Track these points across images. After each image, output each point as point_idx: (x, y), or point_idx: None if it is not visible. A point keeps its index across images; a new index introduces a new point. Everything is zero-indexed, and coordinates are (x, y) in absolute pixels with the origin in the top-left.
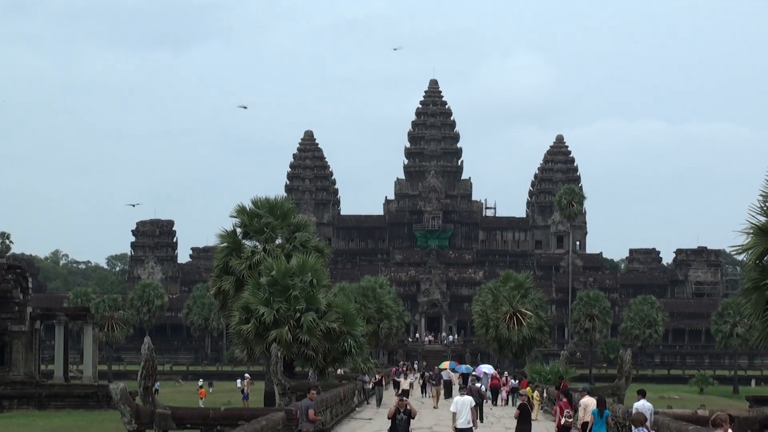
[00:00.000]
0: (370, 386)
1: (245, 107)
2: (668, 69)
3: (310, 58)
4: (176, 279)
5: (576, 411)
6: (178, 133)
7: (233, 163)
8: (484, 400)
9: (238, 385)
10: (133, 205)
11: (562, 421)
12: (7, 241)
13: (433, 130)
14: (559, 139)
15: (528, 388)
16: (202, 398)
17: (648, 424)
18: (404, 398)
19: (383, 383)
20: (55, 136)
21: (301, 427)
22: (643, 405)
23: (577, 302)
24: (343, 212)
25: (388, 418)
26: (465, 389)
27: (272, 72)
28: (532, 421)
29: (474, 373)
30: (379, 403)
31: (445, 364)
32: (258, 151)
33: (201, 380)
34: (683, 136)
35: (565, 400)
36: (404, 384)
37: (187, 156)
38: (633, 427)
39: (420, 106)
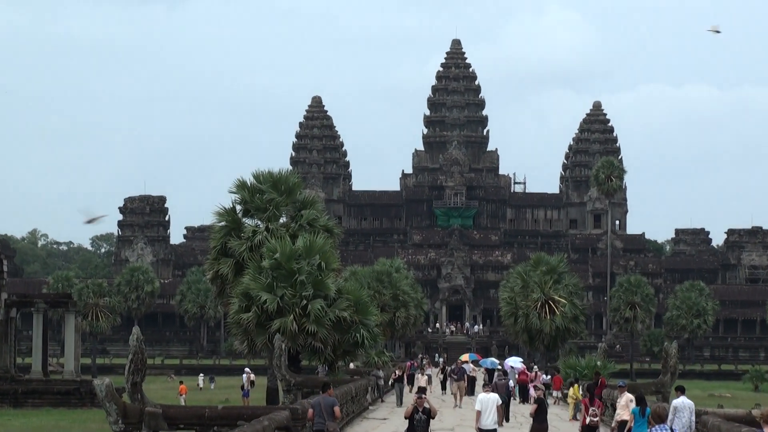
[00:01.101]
0: (390, 382)
1: (718, 31)
2: (719, 26)
3: (318, 14)
4: (168, 262)
5: (605, 408)
6: (170, 98)
7: (233, 133)
8: (512, 398)
9: (244, 380)
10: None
11: (587, 420)
12: None
13: (456, 96)
14: (597, 106)
15: (576, 385)
16: (182, 395)
17: (689, 422)
18: (423, 396)
19: (404, 380)
20: (32, 101)
21: (325, 428)
22: (683, 403)
23: (616, 289)
24: (354, 187)
25: (405, 418)
26: (489, 386)
27: (276, 30)
28: (569, 420)
29: (499, 367)
30: (399, 401)
31: (465, 357)
32: (260, 119)
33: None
34: (736, 103)
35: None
36: (421, 380)
37: (182, 124)
38: (653, 423)
39: (441, 69)
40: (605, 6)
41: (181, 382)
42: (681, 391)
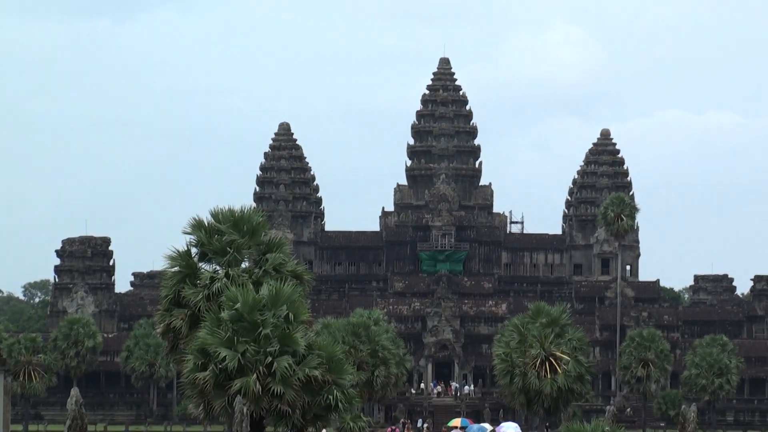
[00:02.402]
0: None
1: None
2: (743, 48)
3: (287, 30)
4: (113, 313)
5: None
6: (116, 125)
7: (188, 165)
8: None
9: None
10: None
11: None
12: None
13: (444, 123)
14: (605, 135)
15: None
16: None
17: None
18: None
19: None
20: None
21: None
22: None
23: (627, 343)
24: (327, 228)
25: None
26: None
27: (239, 47)
28: None
29: None
30: None
31: (456, 422)
32: (220, 149)
33: None
34: (763, 132)
35: None
36: None
37: (129, 154)
38: None
39: (427, 92)
40: (616, 21)
41: None
42: None
